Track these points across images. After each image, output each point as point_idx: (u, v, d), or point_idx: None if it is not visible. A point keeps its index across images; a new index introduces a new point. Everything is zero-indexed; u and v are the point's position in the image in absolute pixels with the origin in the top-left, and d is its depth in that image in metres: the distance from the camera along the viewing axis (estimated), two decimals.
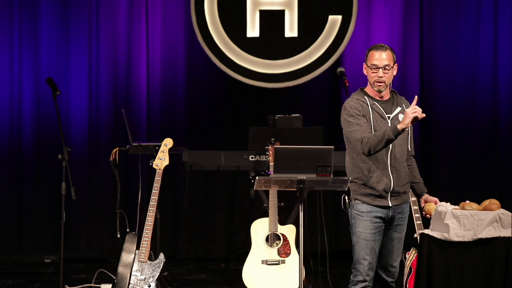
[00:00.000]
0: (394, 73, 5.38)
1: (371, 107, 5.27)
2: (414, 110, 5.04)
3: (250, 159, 8.06)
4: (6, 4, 9.46)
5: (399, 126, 5.06)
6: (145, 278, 6.54)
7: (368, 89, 5.36)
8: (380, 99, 5.32)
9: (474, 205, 5.43)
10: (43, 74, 9.29)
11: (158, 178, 6.64)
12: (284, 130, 7.81)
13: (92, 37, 9.54)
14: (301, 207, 4.96)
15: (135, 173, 8.68)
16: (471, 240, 5.23)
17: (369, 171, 5.20)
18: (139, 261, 6.57)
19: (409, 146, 5.37)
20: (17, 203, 9.48)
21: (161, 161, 6.71)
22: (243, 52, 9.44)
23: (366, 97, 5.31)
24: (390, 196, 5.24)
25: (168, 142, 6.75)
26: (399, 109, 5.31)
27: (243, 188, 9.32)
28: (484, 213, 5.29)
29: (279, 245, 7.07)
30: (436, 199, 5.44)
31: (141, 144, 7.54)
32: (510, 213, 5.32)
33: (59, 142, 7.08)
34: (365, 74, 5.36)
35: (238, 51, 9.44)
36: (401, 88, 9.60)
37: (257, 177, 4.93)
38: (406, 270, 6.02)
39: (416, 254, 5.91)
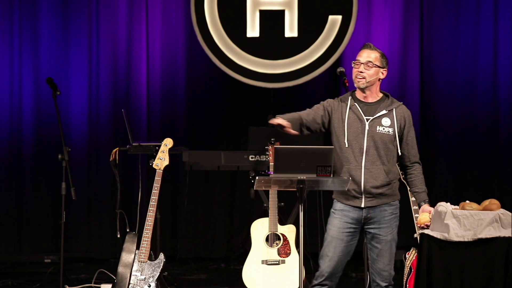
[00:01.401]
0: (381, 76, 5.34)
1: (349, 108, 5.29)
2: None
3: (250, 159, 8.06)
4: (6, 4, 9.47)
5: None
6: (145, 278, 6.54)
7: (356, 91, 5.38)
8: (364, 100, 5.31)
9: (474, 205, 5.42)
10: (43, 74, 9.30)
11: (158, 178, 6.64)
12: None
13: (92, 37, 9.55)
14: (301, 207, 4.96)
15: (135, 173, 8.69)
16: (471, 240, 5.22)
17: (341, 170, 5.23)
18: (139, 261, 6.56)
19: (399, 151, 5.33)
20: (17, 203, 9.48)
21: (161, 161, 6.71)
22: (243, 52, 9.44)
23: (350, 97, 5.34)
24: (364, 197, 5.24)
25: (168, 142, 6.75)
26: (384, 112, 5.29)
27: (243, 188, 9.32)
28: (484, 213, 5.28)
29: (279, 245, 7.07)
30: (432, 209, 5.37)
31: (141, 144, 7.54)
32: (510, 213, 5.32)
33: (59, 142, 7.08)
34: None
35: (238, 51, 9.45)
36: (401, 88, 9.60)
37: (257, 177, 4.93)
38: (406, 270, 6.02)
39: (416, 254, 5.91)
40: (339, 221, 5.27)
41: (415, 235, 6.04)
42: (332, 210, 5.35)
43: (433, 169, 9.59)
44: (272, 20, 9.46)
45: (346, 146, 5.22)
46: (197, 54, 9.59)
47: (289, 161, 4.84)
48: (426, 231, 5.40)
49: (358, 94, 5.34)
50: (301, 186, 4.89)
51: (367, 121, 5.26)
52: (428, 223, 5.29)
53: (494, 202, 5.40)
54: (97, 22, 9.55)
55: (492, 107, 9.52)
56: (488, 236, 5.21)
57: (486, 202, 5.42)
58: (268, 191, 7.23)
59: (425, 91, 9.61)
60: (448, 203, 5.45)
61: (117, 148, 7.41)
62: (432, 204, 5.64)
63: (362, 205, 5.25)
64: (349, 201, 5.27)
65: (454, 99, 9.57)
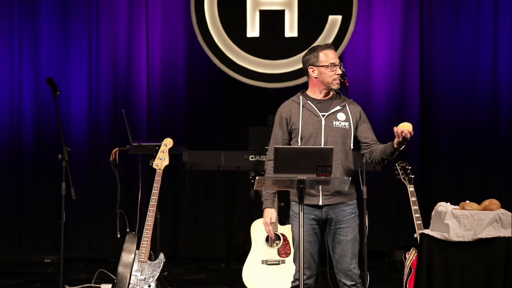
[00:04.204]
0: None
1: (302, 106, 5.32)
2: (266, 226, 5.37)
3: (250, 159, 8.06)
4: (6, 4, 9.47)
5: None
6: (145, 278, 6.54)
7: (309, 91, 5.41)
8: (322, 98, 5.36)
9: (474, 205, 5.42)
10: (43, 74, 9.30)
11: (158, 178, 6.63)
12: None
13: (92, 37, 9.55)
14: (301, 207, 4.96)
15: (135, 173, 8.69)
16: (471, 240, 5.23)
17: None
18: (139, 261, 6.56)
19: (360, 139, 5.34)
20: (17, 203, 9.49)
21: (161, 161, 6.71)
22: (243, 52, 9.45)
23: (301, 97, 5.37)
24: (322, 194, 5.25)
25: (168, 142, 6.75)
26: (338, 107, 5.33)
27: (243, 188, 9.32)
28: (484, 213, 5.29)
29: (279, 245, 7.07)
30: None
31: (141, 144, 7.54)
32: (510, 213, 5.32)
33: (59, 142, 7.07)
34: (315, 76, 5.35)
35: (238, 51, 9.45)
36: (401, 88, 9.60)
37: (257, 177, 4.93)
38: (406, 270, 6.02)
39: (416, 254, 5.91)
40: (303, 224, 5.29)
41: (415, 235, 6.04)
42: (291, 213, 5.37)
43: (433, 169, 9.59)
44: (272, 20, 9.46)
45: (300, 144, 5.26)
46: (197, 54, 9.59)
47: (289, 161, 4.83)
48: (426, 231, 5.39)
49: (312, 93, 5.40)
50: (301, 186, 4.89)
51: (323, 117, 5.29)
52: (410, 129, 5.02)
53: (494, 202, 5.40)
54: (97, 22, 9.55)
55: (492, 107, 9.52)
56: (488, 236, 5.21)
57: (486, 202, 5.43)
58: None
59: (425, 91, 9.61)
60: (448, 203, 5.45)
61: (117, 148, 7.40)
62: (432, 204, 5.65)
63: (320, 203, 5.26)
64: (307, 200, 5.27)
65: (454, 99, 9.57)
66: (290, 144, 5.36)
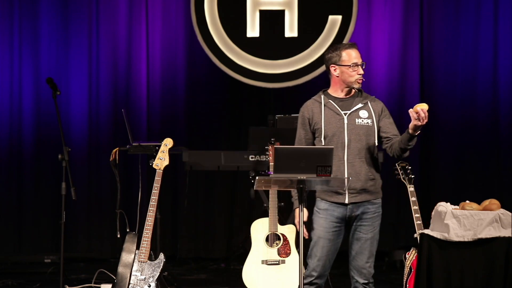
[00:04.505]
0: None
1: (324, 105, 5.32)
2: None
3: (250, 159, 8.06)
4: (6, 4, 9.47)
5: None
6: (145, 278, 6.54)
7: (331, 90, 5.41)
8: (344, 96, 5.37)
9: (474, 205, 5.42)
10: (43, 74, 9.30)
11: (158, 178, 6.64)
12: (284, 130, 7.81)
13: (92, 37, 9.55)
14: (301, 207, 4.96)
15: (135, 173, 8.69)
16: (471, 240, 5.23)
17: None
18: (139, 261, 6.56)
19: (381, 134, 5.34)
20: (17, 203, 9.48)
21: (161, 161, 6.71)
22: (243, 52, 9.45)
23: (322, 96, 5.37)
24: (348, 193, 5.26)
25: (168, 142, 6.75)
26: (360, 105, 5.35)
27: (243, 188, 9.32)
28: (484, 213, 5.28)
29: (279, 245, 7.06)
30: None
31: (141, 144, 7.54)
32: (510, 213, 5.32)
33: (59, 142, 7.07)
34: (337, 75, 5.35)
35: (238, 51, 9.45)
36: (401, 88, 9.60)
37: (257, 177, 4.93)
38: (406, 270, 6.02)
39: (416, 254, 5.91)
40: (325, 221, 5.30)
41: (415, 235, 6.04)
42: (316, 209, 5.36)
43: (433, 169, 9.59)
44: (272, 20, 9.46)
45: (323, 143, 5.27)
46: (197, 54, 9.59)
47: (289, 161, 4.83)
48: (426, 231, 5.39)
49: (333, 91, 5.40)
50: (301, 186, 4.89)
51: (345, 115, 5.30)
52: (425, 109, 5.04)
53: (494, 202, 5.40)
54: (97, 22, 9.55)
55: (492, 107, 9.52)
56: (488, 236, 5.21)
57: (486, 202, 5.42)
58: (268, 191, 7.23)
59: (425, 91, 9.61)
60: (448, 203, 5.45)
61: (117, 148, 7.40)
62: (432, 204, 5.65)
63: (346, 201, 5.27)
64: (333, 197, 5.29)
65: (454, 99, 9.57)
66: (314, 144, 5.35)
